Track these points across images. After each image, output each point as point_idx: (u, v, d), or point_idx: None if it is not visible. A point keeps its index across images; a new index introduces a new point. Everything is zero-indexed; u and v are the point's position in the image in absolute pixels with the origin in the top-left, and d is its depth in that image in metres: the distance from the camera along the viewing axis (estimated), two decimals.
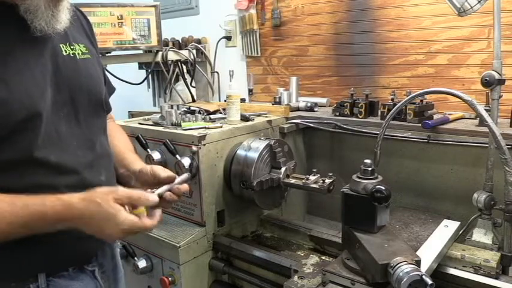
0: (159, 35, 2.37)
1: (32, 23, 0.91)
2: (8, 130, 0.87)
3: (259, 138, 1.69)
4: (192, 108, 2.07)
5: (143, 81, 2.75)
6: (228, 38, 2.93)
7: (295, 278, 1.31)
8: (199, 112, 1.93)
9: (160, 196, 1.06)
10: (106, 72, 1.30)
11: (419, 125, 1.76)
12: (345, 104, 2.05)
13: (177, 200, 1.11)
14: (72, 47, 1.05)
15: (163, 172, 1.13)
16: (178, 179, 1.13)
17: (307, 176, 1.58)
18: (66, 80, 1.00)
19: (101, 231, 0.91)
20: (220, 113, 2.04)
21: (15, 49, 0.90)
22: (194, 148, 1.26)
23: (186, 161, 1.59)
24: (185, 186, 1.13)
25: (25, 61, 0.91)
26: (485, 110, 1.36)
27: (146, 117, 2.01)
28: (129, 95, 2.70)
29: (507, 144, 1.32)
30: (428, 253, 1.27)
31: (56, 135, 0.96)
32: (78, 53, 1.06)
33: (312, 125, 2.07)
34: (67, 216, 0.88)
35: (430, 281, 0.98)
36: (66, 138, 0.98)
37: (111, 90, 1.32)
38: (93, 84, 1.10)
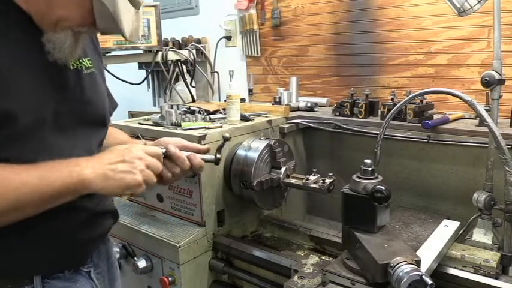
0: (159, 35, 2.36)
1: (49, 53, 0.93)
2: (13, 134, 0.87)
3: (259, 138, 1.69)
4: (192, 108, 2.07)
5: (143, 81, 2.75)
6: (228, 38, 2.93)
7: (295, 278, 1.30)
8: (199, 112, 1.93)
9: (166, 155, 1.10)
10: (108, 88, 1.32)
11: (419, 125, 1.76)
12: (345, 104, 2.05)
13: (184, 162, 1.13)
14: (80, 60, 1.06)
15: (190, 142, 1.20)
16: (202, 155, 1.18)
17: (307, 176, 1.58)
18: (70, 93, 1.01)
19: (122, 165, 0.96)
20: (220, 113, 2.04)
21: (29, 58, 0.92)
22: (227, 135, 1.29)
23: None
24: (201, 161, 1.17)
25: (37, 71, 0.93)
26: (485, 110, 1.35)
27: (146, 117, 2.01)
28: (129, 95, 2.71)
29: (507, 144, 1.32)
30: (428, 253, 1.27)
31: (56, 144, 0.97)
32: (85, 66, 1.07)
33: (312, 125, 2.07)
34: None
35: (430, 281, 0.98)
36: (66, 148, 0.99)
37: (114, 105, 1.32)
38: (96, 100, 1.11)
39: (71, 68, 1.01)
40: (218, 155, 1.25)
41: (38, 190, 0.86)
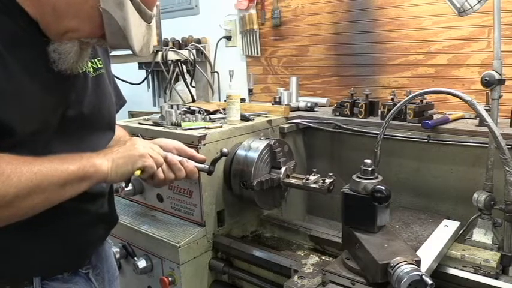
0: (159, 35, 2.36)
1: (54, 63, 0.91)
2: (14, 142, 0.86)
3: (259, 138, 1.69)
4: (192, 108, 2.07)
5: (143, 81, 2.76)
6: (228, 38, 2.93)
7: (295, 278, 1.30)
8: (199, 112, 1.93)
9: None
10: (117, 83, 1.31)
11: (419, 125, 1.76)
12: (345, 104, 2.05)
13: (180, 170, 1.13)
14: (88, 64, 1.04)
15: (188, 148, 1.21)
16: (196, 163, 1.18)
17: (307, 176, 1.58)
18: (77, 98, 1.01)
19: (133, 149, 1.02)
20: (220, 113, 2.04)
21: (36, 65, 0.90)
22: (225, 150, 1.30)
23: None
24: (194, 168, 1.16)
25: (44, 77, 0.92)
26: (485, 110, 1.35)
27: (146, 117, 2.01)
28: (129, 95, 2.69)
29: (507, 144, 1.32)
30: (428, 253, 1.27)
31: (61, 150, 0.95)
32: (94, 68, 1.07)
33: (312, 125, 2.07)
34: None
35: (430, 281, 0.98)
36: (71, 153, 0.98)
37: (122, 102, 1.31)
38: (103, 104, 1.10)
39: (80, 71, 1.00)
40: (212, 167, 1.25)
41: (53, 173, 0.87)
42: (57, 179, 0.86)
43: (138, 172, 1.01)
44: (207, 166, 1.24)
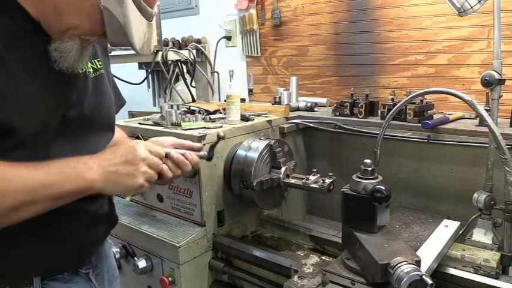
0: (159, 35, 2.36)
1: (56, 62, 0.91)
2: (14, 142, 0.86)
3: (259, 138, 1.69)
4: (192, 108, 2.07)
5: (143, 81, 2.76)
6: (228, 38, 2.93)
7: (295, 278, 1.31)
8: (199, 112, 1.93)
9: (167, 155, 1.08)
10: (116, 84, 1.30)
11: (419, 125, 1.77)
12: (345, 104, 2.05)
13: (187, 165, 1.11)
14: (88, 64, 1.04)
15: (183, 140, 1.18)
16: (196, 152, 1.17)
17: (307, 176, 1.58)
18: (77, 99, 1.00)
19: (125, 167, 0.95)
20: (220, 113, 2.04)
21: (37, 65, 0.90)
22: (221, 133, 1.30)
23: None
24: (197, 159, 1.16)
25: (45, 77, 0.91)
26: (485, 110, 1.35)
27: (146, 117, 2.01)
28: (129, 95, 2.69)
29: (507, 144, 1.32)
30: (428, 253, 1.27)
31: (60, 150, 0.95)
32: (94, 69, 1.06)
33: (312, 125, 2.07)
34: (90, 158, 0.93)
35: (430, 281, 0.98)
36: (71, 154, 0.97)
37: (121, 102, 1.31)
38: (102, 104, 1.10)
39: (80, 72, 0.99)
40: (211, 152, 1.25)
41: (47, 191, 0.86)
42: (50, 194, 0.87)
43: (128, 198, 1.00)
44: (205, 153, 1.24)
